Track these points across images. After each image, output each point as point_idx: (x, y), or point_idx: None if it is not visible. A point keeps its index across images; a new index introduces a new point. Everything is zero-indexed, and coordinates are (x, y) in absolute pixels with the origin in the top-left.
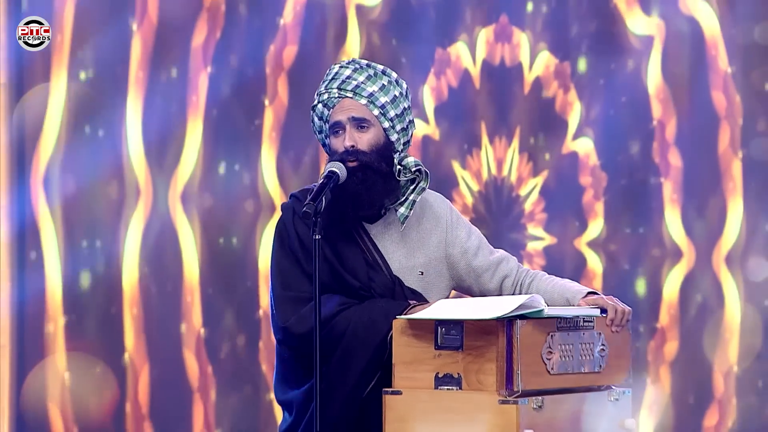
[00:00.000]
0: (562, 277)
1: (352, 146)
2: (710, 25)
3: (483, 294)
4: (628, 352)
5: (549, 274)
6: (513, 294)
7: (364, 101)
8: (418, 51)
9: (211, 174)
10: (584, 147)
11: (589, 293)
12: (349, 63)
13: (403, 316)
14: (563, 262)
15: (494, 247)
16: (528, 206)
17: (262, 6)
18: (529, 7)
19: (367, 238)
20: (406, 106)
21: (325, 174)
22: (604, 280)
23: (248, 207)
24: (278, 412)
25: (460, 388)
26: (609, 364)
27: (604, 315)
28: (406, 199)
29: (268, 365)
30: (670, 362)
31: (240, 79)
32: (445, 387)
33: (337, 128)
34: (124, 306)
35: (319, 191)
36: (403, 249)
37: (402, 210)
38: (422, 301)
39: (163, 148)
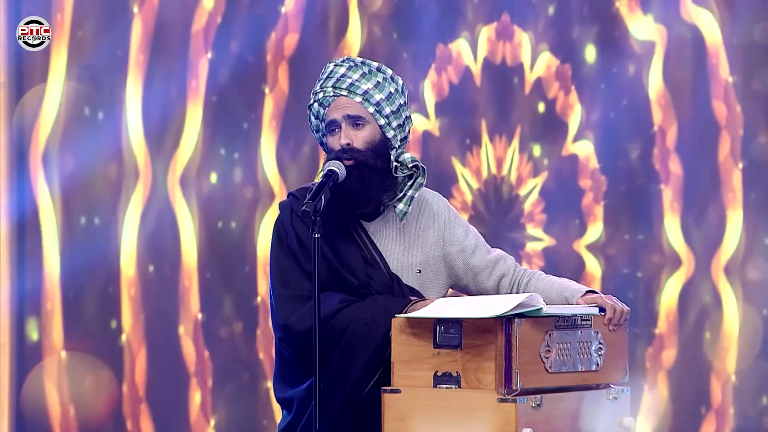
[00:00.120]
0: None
1: (348, 144)
2: (711, 33)
3: (480, 293)
4: (625, 351)
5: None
6: (510, 293)
7: (358, 99)
8: (419, 46)
9: (211, 159)
10: (584, 150)
11: (588, 292)
12: (343, 61)
13: (402, 315)
14: (562, 264)
15: (492, 246)
16: (527, 206)
17: None
18: (532, 7)
19: (366, 236)
20: (402, 103)
21: (324, 172)
22: (602, 284)
23: (247, 194)
24: (276, 401)
25: (459, 387)
26: (606, 362)
27: (603, 314)
28: (404, 195)
29: (265, 353)
30: (668, 369)
31: (240, 65)
32: (444, 385)
33: (332, 126)
34: (122, 287)
35: (319, 190)
36: (401, 246)
37: (400, 206)
38: (421, 298)
39: (162, 132)
